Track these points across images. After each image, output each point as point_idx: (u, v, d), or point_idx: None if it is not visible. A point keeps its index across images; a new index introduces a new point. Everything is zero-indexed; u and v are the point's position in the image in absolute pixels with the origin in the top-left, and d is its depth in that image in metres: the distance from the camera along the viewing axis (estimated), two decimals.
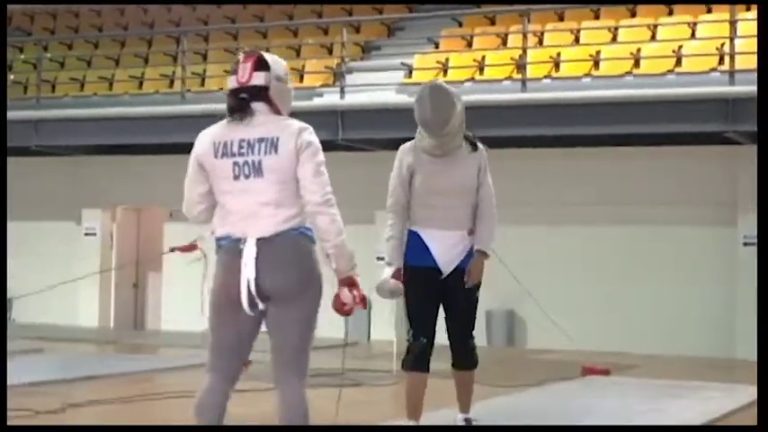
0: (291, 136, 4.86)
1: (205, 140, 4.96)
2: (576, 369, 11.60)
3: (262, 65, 4.96)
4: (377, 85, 15.90)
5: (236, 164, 4.84)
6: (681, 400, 9.61)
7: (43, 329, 16.35)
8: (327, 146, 18.00)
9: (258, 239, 4.79)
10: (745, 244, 14.14)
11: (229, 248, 4.85)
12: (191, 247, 5.44)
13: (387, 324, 15.66)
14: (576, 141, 14.89)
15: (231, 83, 4.98)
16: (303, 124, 4.94)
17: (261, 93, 4.92)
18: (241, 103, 4.90)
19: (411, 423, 6.72)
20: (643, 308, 14.90)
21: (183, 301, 17.14)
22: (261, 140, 4.83)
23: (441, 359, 6.96)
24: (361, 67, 17.06)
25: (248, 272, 4.76)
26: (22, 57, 19.65)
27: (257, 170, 4.82)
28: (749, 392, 9.40)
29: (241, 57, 5.01)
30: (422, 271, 6.64)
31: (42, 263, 17.75)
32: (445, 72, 16.06)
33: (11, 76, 18.45)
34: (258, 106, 4.92)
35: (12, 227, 16.90)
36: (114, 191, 18.28)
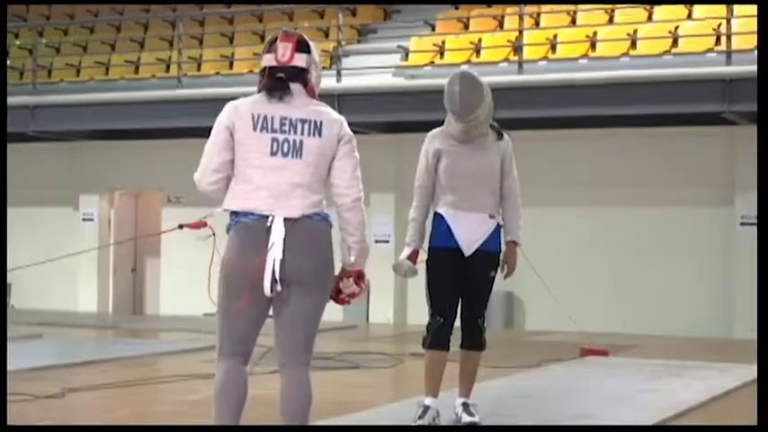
0: (334, 124, 4.87)
1: (242, 111, 4.81)
2: (574, 350, 11.62)
3: (304, 47, 4.90)
4: (373, 69, 15.89)
5: (274, 140, 4.77)
6: (680, 379, 9.62)
7: (42, 315, 16.36)
8: None
9: (286, 219, 4.73)
10: (743, 224, 14.16)
11: (253, 225, 4.74)
12: (200, 224, 5.22)
13: (385, 307, 15.71)
14: (572, 123, 14.89)
15: (269, 61, 4.88)
16: (339, 115, 4.95)
17: (300, 74, 4.88)
18: (280, 82, 4.84)
19: (429, 400, 6.77)
20: (641, 288, 14.92)
21: (181, 286, 17.17)
22: (303, 121, 4.81)
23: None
24: (358, 51, 17.05)
25: (276, 251, 4.69)
26: (18, 42, 19.61)
27: (297, 150, 4.78)
28: (748, 371, 9.43)
29: (279, 36, 4.90)
30: (444, 251, 6.80)
31: (40, 249, 17.76)
32: (442, 55, 16.05)
33: (6, 62, 18.42)
34: (295, 87, 4.87)
35: (9, 213, 16.89)
36: (111, 176, 18.28)
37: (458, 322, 6.93)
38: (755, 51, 10.99)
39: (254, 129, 4.78)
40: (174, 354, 11.59)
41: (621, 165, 15.21)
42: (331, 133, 4.85)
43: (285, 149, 4.77)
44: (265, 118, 4.79)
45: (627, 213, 15.21)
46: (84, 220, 18.39)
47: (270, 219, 4.72)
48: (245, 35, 18.19)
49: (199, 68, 17.74)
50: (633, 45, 14.83)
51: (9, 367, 8.41)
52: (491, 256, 6.87)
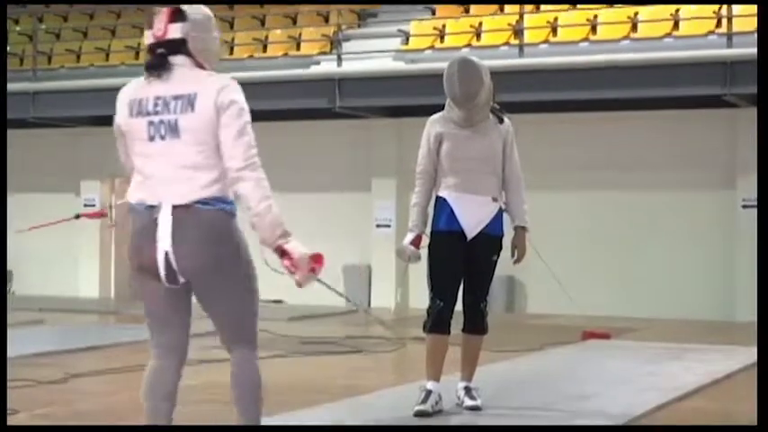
0: (211, 92, 4.39)
1: (121, 99, 4.55)
2: (576, 334, 11.64)
3: (178, 16, 4.51)
4: (374, 53, 15.87)
5: (150, 123, 4.43)
6: (681, 362, 9.65)
7: (44, 301, 16.37)
8: (324, 114, 17.94)
9: (175, 207, 4.37)
10: (745, 206, 14.16)
11: (142, 216, 4.46)
12: (98, 214, 4.88)
13: (387, 291, 15.72)
14: (573, 106, 14.88)
15: (148, 38, 4.54)
16: (226, 80, 4.47)
17: (179, 46, 4.48)
18: (159, 58, 4.48)
19: (431, 384, 6.78)
20: (642, 272, 14.92)
21: None
22: (177, 98, 4.41)
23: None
24: (358, 35, 17.02)
25: (165, 245, 4.37)
26: (18, 28, 19.58)
27: (173, 130, 4.39)
28: (749, 354, 9.43)
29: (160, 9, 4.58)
30: (447, 235, 6.82)
31: (41, 235, 17.74)
32: (442, 38, 16.03)
33: (7, 48, 18.39)
34: (178, 60, 4.48)
35: (10, 199, 16.90)
36: (112, 162, 18.10)
37: (459, 306, 6.95)
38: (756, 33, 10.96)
39: (131, 115, 4.49)
40: None
41: (622, 148, 15.19)
42: (206, 105, 4.38)
43: (162, 132, 4.42)
44: (140, 102, 4.47)
45: (628, 196, 15.20)
46: (85, 206, 18.37)
47: (157, 208, 4.41)
48: (245, 20, 18.16)
49: None
50: (634, 28, 14.81)
51: (11, 353, 8.45)
52: (493, 240, 6.89)
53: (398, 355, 10.53)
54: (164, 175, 4.42)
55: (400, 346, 10.91)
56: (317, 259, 4.40)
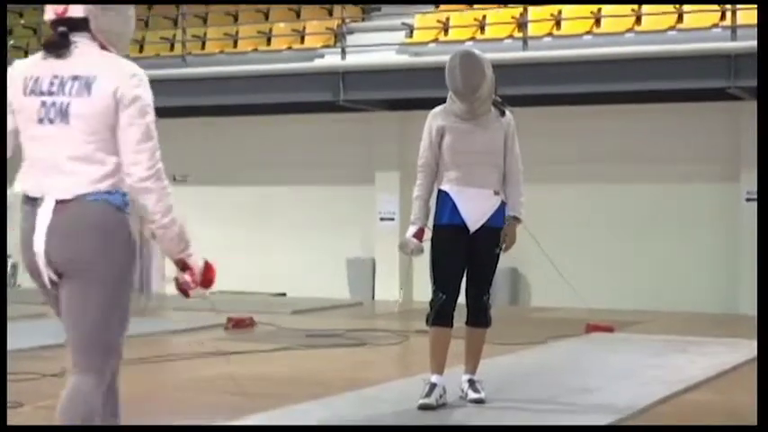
0: (112, 79, 3.97)
1: (16, 73, 4.08)
2: (580, 327, 11.64)
3: None
4: (378, 46, 15.87)
5: (43, 104, 3.97)
6: (685, 354, 9.65)
7: None
8: (328, 107, 17.89)
9: (58, 202, 3.96)
10: (748, 200, 14.15)
11: (26, 211, 4.07)
12: None
13: (391, 284, 15.72)
14: (577, 99, 14.86)
15: (48, 13, 4.09)
16: (133, 68, 4.06)
17: (82, 24, 4.04)
18: (59, 37, 4.03)
19: (435, 378, 6.80)
20: (646, 265, 14.92)
21: None
22: (75, 78, 3.97)
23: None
24: (362, 28, 17.02)
25: (38, 242, 3.99)
26: (22, 22, 19.59)
27: (64, 114, 3.95)
28: (752, 347, 9.43)
29: None
30: (449, 229, 6.84)
31: None
32: (446, 31, 16.02)
33: (11, 42, 18.40)
34: (80, 39, 4.05)
35: (11, 193, 16.89)
36: None
37: (463, 299, 6.96)
38: None
39: (25, 93, 4.02)
40: (180, 332, 11.61)
41: (626, 141, 15.18)
42: (104, 92, 3.94)
43: (52, 115, 3.96)
44: (36, 79, 4.01)
45: (632, 190, 15.19)
46: None
47: (39, 202, 4.00)
48: (248, 13, 18.16)
49: (203, 47, 17.71)
50: (638, 21, 14.79)
51: (14, 347, 8.43)
52: (496, 233, 6.91)
53: (402, 348, 10.54)
54: (49, 164, 3.99)
55: (404, 339, 10.92)
56: (210, 270, 4.23)
